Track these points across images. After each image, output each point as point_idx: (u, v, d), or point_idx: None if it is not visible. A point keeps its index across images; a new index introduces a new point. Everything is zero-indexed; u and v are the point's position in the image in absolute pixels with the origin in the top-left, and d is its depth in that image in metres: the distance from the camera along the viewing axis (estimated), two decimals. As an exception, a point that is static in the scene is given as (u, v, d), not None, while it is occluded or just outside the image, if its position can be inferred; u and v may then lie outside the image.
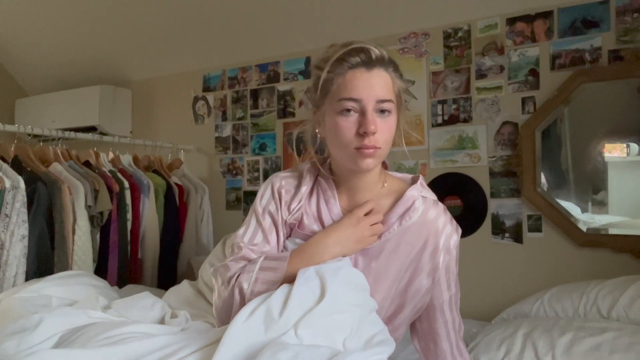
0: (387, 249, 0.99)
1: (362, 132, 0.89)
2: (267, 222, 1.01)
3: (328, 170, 1.04)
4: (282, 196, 1.02)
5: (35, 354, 0.73)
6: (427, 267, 0.99)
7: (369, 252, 0.99)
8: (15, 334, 0.77)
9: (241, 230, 1.02)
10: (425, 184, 1.05)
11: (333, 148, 0.97)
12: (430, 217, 0.99)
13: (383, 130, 0.91)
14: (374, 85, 0.90)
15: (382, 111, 0.91)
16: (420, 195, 1.00)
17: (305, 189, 1.02)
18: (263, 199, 1.03)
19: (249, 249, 0.98)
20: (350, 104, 0.90)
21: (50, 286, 1.21)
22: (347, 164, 0.95)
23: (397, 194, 1.02)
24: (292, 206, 1.01)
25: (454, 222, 1.03)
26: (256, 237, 1.00)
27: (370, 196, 1.01)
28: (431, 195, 1.03)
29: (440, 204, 1.03)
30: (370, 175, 1.00)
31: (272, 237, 1.00)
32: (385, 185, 1.03)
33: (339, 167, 1.01)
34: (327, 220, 1.01)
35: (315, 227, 1.01)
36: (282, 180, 1.04)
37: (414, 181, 1.05)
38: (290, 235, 1.03)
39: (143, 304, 0.97)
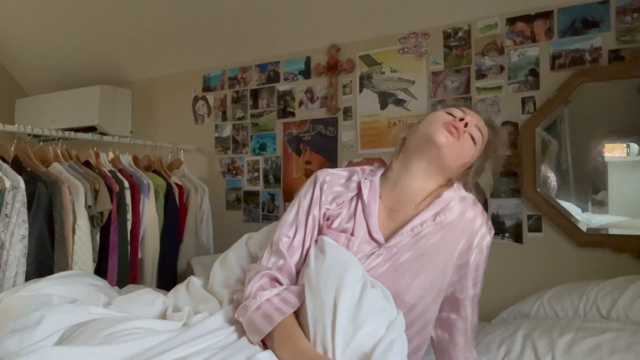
0: (421, 245, 1.01)
1: None
2: (301, 230, 1.03)
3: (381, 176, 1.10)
4: (324, 191, 1.06)
5: (37, 351, 0.73)
6: (458, 262, 1.03)
7: (398, 249, 1.00)
8: (17, 331, 0.77)
9: (284, 229, 1.04)
10: (461, 185, 1.10)
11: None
12: (469, 217, 1.04)
13: None
14: None
15: None
16: (459, 196, 1.05)
17: (350, 195, 1.06)
18: (305, 198, 1.06)
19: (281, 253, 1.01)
20: None
21: (50, 286, 1.20)
22: None
23: (435, 195, 1.06)
24: (332, 205, 1.05)
25: (489, 223, 1.08)
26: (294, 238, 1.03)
27: (417, 200, 1.05)
28: (469, 196, 1.08)
29: (479, 204, 1.08)
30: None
31: (298, 243, 1.03)
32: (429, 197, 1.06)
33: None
34: (358, 216, 1.03)
35: (347, 225, 1.02)
36: (328, 176, 1.08)
37: (451, 183, 1.09)
38: (320, 232, 1.04)
39: (144, 299, 0.97)
